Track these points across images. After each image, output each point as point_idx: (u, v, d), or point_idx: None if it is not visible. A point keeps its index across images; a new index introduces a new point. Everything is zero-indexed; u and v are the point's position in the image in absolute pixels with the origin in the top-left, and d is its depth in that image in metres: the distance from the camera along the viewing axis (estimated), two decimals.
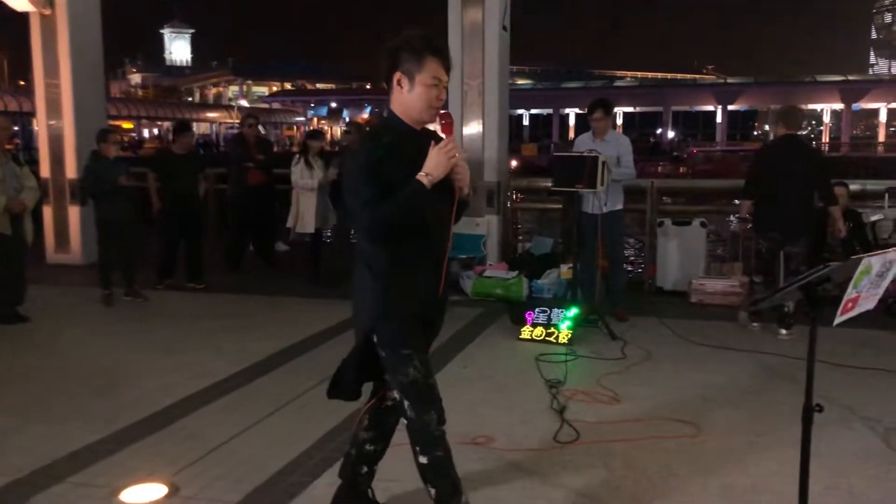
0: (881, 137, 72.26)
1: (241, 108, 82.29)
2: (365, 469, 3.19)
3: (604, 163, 6.10)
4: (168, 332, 6.43)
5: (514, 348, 5.89)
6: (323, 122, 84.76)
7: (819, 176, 6.25)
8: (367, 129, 2.93)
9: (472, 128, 8.28)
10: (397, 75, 2.71)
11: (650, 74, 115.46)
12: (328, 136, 56.97)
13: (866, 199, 8.00)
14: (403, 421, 2.91)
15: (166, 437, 4.12)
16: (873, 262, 2.44)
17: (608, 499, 3.40)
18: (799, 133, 6.61)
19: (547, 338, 5.95)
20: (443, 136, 2.75)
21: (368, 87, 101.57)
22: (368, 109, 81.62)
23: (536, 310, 6.15)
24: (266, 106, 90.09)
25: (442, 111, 2.78)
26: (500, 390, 4.89)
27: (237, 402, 4.69)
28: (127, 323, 6.84)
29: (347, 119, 79.52)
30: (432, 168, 2.64)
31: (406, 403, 2.84)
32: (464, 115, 8.29)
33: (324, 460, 3.76)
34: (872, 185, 8.16)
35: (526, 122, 71.60)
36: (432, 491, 2.87)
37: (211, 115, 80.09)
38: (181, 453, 3.85)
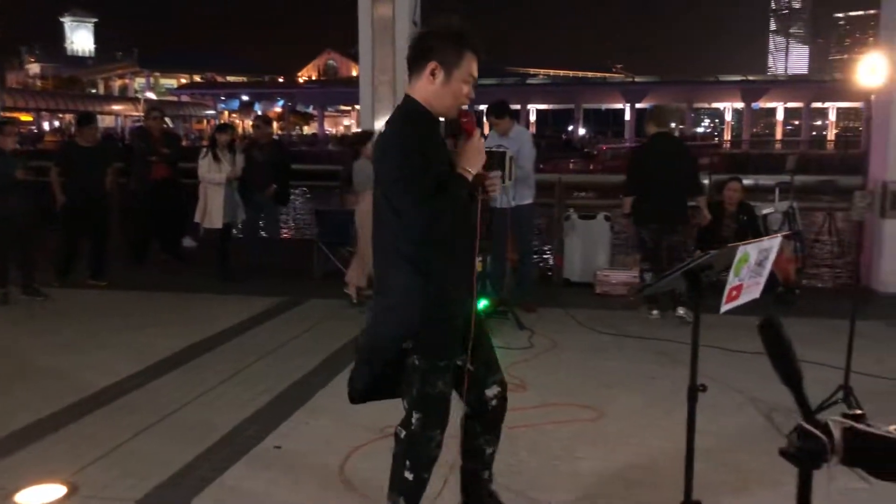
0: (778, 135, 75.86)
1: (147, 101, 79.75)
2: (488, 473, 2.98)
3: (511, 158, 6.24)
4: (70, 331, 6.23)
5: None
6: (234, 115, 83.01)
7: (689, 170, 6.74)
8: (401, 115, 2.63)
9: (384, 123, 8.30)
10: (432, 65, 2.56)
11: (562, 72, 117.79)
12: (239, 129, 55.90)
13: (759, 193, 8.42)
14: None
15: (66, 437, 4.01)
16: (750, 251, 2.60)
17: (513, 483, 3.51)
18: (670, 130, 7.07)
19: None
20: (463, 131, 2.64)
21: (281, 80, 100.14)
22: (281, 103, 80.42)
23: None
24: (174, 99, 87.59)
25: (463, 108, 2.65)
26: None
27: (141, 399, 4.60)
28: (26, 322, 6.59)
29: (260, 112, 78.17)
30: (471, 163, 2.54)
31: (416, 416, 2.67)
32: (375, 111, 8.31)
33: (233, 454, 3.74)
34: (764, 180, 8.60)
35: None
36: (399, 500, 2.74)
37: (116, 107, 77.39)
38: (82, 452, 3.76)
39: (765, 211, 7.74)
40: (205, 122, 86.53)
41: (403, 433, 2.72)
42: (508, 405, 4.26)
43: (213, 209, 8.04)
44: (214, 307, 7.04)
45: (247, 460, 3.68)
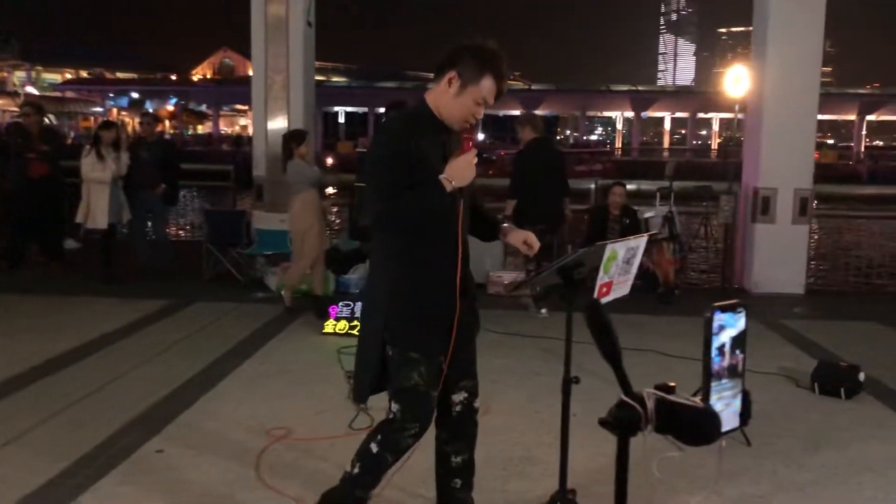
0: (666, 143, 79.14)
1: (28, 96, 75.58)
2: (459, 482, 2.95)
3: None
4: None
5: (317, 342, 5.95)
6: (124, 113, 79.77)
7: (563, 172, 7.27)
8: (406, 110, 2.65)
9: (277, 122, 8.24)
10: (451, 73, 2.61)
11: None
12: (129, 128, 53.72)
13: (642, 198, 8.80)
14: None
15: None
16: (618, 249, 2.75)
17: (399, 480, 3.54)
18: (546, 135, 7.51)
19: (350, 331, 6.04)
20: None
21: (174, 77, 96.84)
22: (174, 101, 77.90)
23: (340, 304, 6.25)
24: (59, 94, 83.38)
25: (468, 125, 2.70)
26: (298, 383, 4.93)
27: (14, 407, 4.39)
28: None
29: (150, 110, 75.50)
30: (457, 176, 2.55)
31: (394, 406, 2.68)
32: (268, 110, 8.23)
33: (111, 460, 3.63)
34: (646, 185, 9.00)
35: (342, 119, 71.46)
36: (354, 471, 2.76)
37: None
38: None
39: (646, 214, 8.09)
40: (92, 119, 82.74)
41: (386, 417, 2.75)
42: None
43: (96, 209, 7.75)
44: (97, 310, 6.79)
45: (125, 466, 3.58)
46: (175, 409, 4.36)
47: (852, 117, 62.49)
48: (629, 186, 8.33)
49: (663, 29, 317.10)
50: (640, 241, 2.88)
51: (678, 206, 8.35)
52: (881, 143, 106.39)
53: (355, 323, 6.11)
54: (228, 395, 4.65)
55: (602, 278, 2.80)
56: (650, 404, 1.62)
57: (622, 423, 1.58)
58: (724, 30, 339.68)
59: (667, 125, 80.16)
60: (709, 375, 1.69)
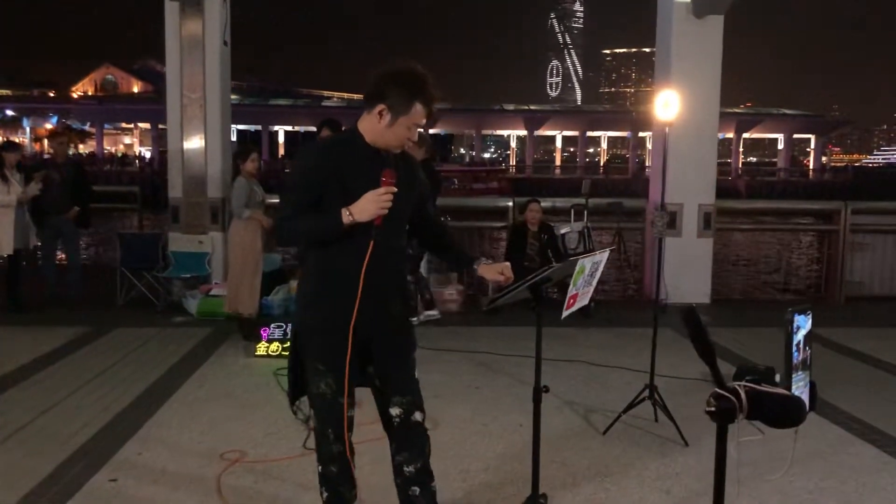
0: (558, 161, 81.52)
1: None
2: (417, 489, 2.97)
3: None
4: None
5: (250, 365, 5.88)
6: None
7: (438, 193, 7.41)
8: (330, 137, 2.77)
9: (194, 142, 8.08)
10: (381, 107, 2.63)
11: (356, 96, 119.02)
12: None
13: (557, 214, 9.11)
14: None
15: None
16: (586, 264, 2.92)
17: (360, 494, 3.60)
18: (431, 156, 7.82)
19: (283, 352, 6.01)
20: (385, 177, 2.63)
21: (52, 94, 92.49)
22: (55, 119, 74.30)
23: (272, 325, 6.19)
24: None
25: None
26: (241, 406, 4.88)
27: None
28: None
29: (28, 129, 71.80)
30: (359, 211, 2.57)
31: (311, 411, 2.88)
32: (184, 129, 8.06)
33: (61, 493, 3.51)
34: (561, 202, 9.33)
35: (233, 137, 70.01)
36: (323, 497, 2.91)
37: None
38: None
39: (563, 230, 8.39)
40: None
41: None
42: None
43: (2, 235, 7.38)
44: (7, 340, 6.47)
45: (80, 498, 3.48)
46: (119, 437, 4.25)
47: (730, 135, 66.21)
48: (543, 203, 8.62)
49: (557, 44, 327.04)
50: (603, 256, 3.06)
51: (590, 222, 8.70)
52: (754, 160, 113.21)
53: (287, 344, 6.07)
54: (171, 421, 4.56)
55: (570, 291, 2.97)
56: (742, 395, 1.79)
57: (722, 412, 1.78)
58: (608, 51, 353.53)
59: (558, 143, 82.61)
60: (790, 368, 1.95)
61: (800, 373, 1.99)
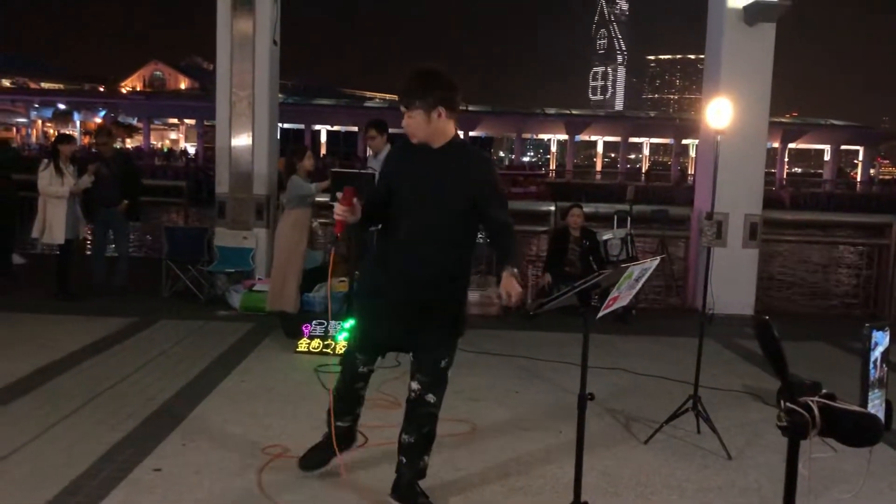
0: (598, 166, 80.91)
1: None
2: (404, 459, 3.40)
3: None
4: None
5: (292, 361, 5.94)
6: (49, 124, 77.16)
7: None
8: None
9: (242, 140, 8.19)
10: (441, 108, 3.20)
11: (397, 97, 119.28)
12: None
13: (599, 220, 9.05)
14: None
15: None
16: (634, 270, 2.90)
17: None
18: None
19: (324, 349, 6.06)
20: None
21: (102, 89, 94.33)
22: (102, 113, 75.78)
23: (313, 322, 6.25)
24: None
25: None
26: (283, 401, 4.93)
27: None
28: None
29: (79, 122, 73.30)
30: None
31: None
32: (232, 127, 8.17)
33: (110, 479, 3.58)
34: (604, 208, 9.26)
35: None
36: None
37: None
38: None
39: (605, 237, 8.33)
40: (14, 130, 79.80)
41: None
42: (386, 421, 4.39)
43: (54, 224, 7.56)
44: (60, 328, 6.61)
45: (126, 485, 3.54)
46: (163, 428, 4.32)
47: (776, 144, 65.11)
48: (586, 209, 8.57)
49: (600, 48, 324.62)
50: (653, 264, 3.04)
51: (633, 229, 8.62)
52: (800, 170, 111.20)
53: (329, 341, 6.13)
54: (214, 414, 4.62)
55: (612, 293, 2.95)
56: (815, 410, 1.76)
57: (795, 427, 1.75)
58: (652, 57, 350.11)
59: (599, 148, 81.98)
60: (867, 385, 1.89)
61: (876, 391, 1.94)
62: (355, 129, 62.14)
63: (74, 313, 7.18)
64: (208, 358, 5.88)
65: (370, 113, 69.11)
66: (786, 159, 71.60)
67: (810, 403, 1.77)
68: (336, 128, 70.48)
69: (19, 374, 5.19)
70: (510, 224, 3.30)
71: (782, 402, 1.88)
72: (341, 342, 6.08)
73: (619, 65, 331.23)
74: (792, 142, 68.77)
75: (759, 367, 6.25)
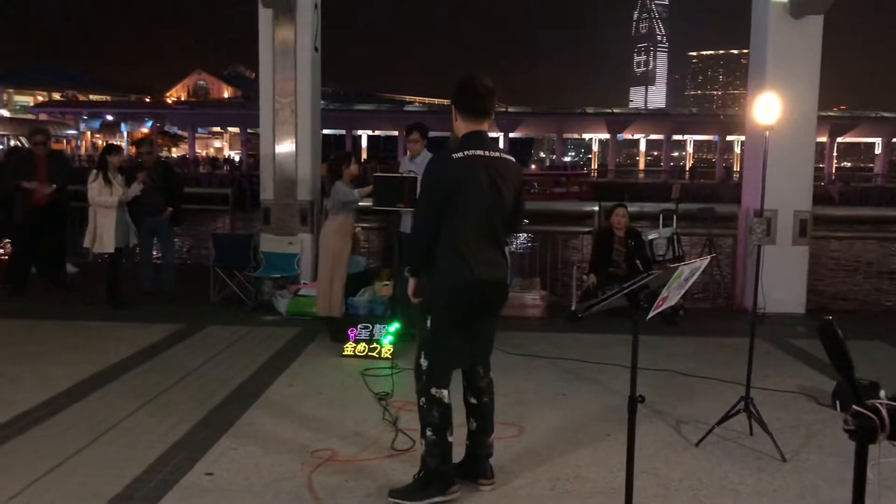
0: (641, 165, 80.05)
1: (1, 119, 74.70)
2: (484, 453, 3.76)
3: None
4: None
5: (338, 364, 5.97)
6: (97, 135, 79.06)
7: None
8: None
9: (285, 146, 8.28)
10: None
11: (437, 100, 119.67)
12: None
13: (644, 219, 8.94)
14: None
15: None
16: (684, 270, 2.86)
17: (447, 497, 3.61)
18: None
19: (370, 353, 6.09)
20: None
21: (148, 99, 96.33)
22: (149, 124, 77.39)
23: (359, 326, 6.28)
24: (32, 117, 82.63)
25: None
26: (330, 405, 4.96)
27: (52, 431, 4.37)
28: None
29: (126, 133, 74.88)
30: None
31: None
32: (276, 134, 8.27)
33: (163, 483, 3.64)
34: (649, 207, 9.14)
35: None
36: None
37: None
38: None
39: (650, 236, 8.22)
40: (65, 142, 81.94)
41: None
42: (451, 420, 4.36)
43: (103, 233, 7.72)
44: (111, 335, 6.74)
45: (179, 489, 3.60)
46: (213, 432, 4.37)
47: (824, 139, 63.70)
48: (631, 209, 8.47)
49: (641, 47, 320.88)
50: (703, 263, 2.99)
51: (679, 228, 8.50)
52: (849, 165, 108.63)
53: (375, 345, 6.16)
54: (264, 418, 4.67)
55: (662, 293, 2.91)
56: (884, 413, 1.70)
57: (863, 431, 1.69)
58: (694, 53, 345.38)
59: (641, 147, 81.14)
60: None
61: None
62: (395, 133, 62.48)
63: (125, 320, 7.33)
64: (256, 363, 5.95)
65: (410, 117, 69.45)
66: (835, 154, 70.01)
67: (878, 406, 1.71)
68: (377, 132, 70.91)
69: (73, 381, 5.31)
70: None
71: (845, 404, 1.82)
72: (386, 345, 6.10)
73: (660, 62, 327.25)
74: (841, 136, 67.23)
75: (811, 366, 6.11)
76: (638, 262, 7.92)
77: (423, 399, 3.53)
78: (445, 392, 3.53)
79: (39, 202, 8.37)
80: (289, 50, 8.20)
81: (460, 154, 3.44)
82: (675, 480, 3.84)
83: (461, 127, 3.55)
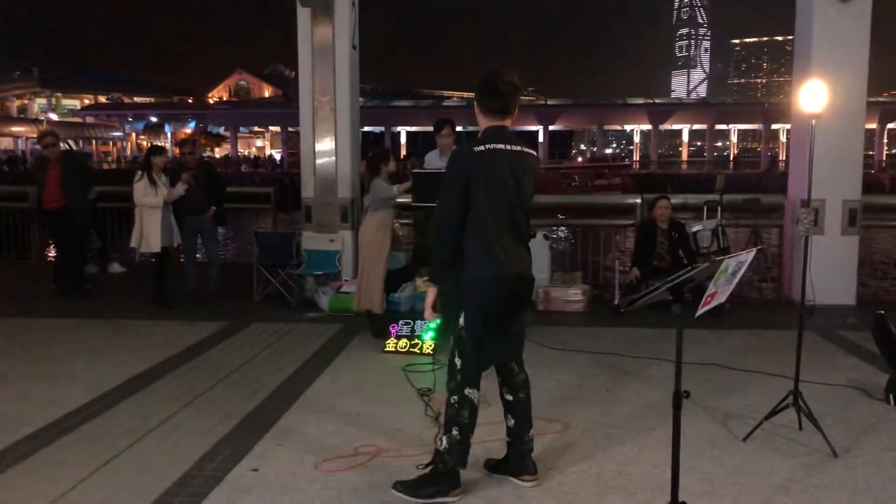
0: (684, 155, 78.92)
1: (49, 122, 76.60)
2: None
3: None
4: (6, 360, 5.97)
5: (380, 360, 6.00)
6: (142, 136, 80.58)
7: None
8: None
9: (325, 144, 8.33)
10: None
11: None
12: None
13: (687, 211, 8.81)
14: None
15: (31, 469, 3.86)
16: (730, 263, 2.80)
17: (493, 494, 3.60)
18: None
19: (411, 349, 6.11)
20: None
21: (190, 101, 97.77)
22: (192, 124, 78.63)
23: (400, 322, 6.30)
24: (79, 120, 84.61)
25: None
26: (374, 401, 4.98)
27: (102, 428, 4.46)
28: None
29: (170, 134, 76.16)
30: None
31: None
32: (316, 132, 8.32)
33: (210, 479, 3.69)
34: (693, 198, 9.01)
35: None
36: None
37: (16, 129, 73.79)
38: (51, 484, 3.64)
39: (694, 228, 8.09)
40: (111, 144, 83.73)
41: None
42: (478, 420, 4.36)
43: (149, 233, 7.85)
44: (157, 333, 6.87)
45: (225, 485, 3.64)
46: (258, 428, 4.42)
47: (873, 126, 62.05)
48: (674, 201, 8.34)
49: (681, 36, 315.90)
50: (749, 256, 2.92)
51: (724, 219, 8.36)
52: None
53: (416, 341, 6.17)
54: (308, 414, 4.71)
55: (710, 289, 2.86)
56: None
57: None
58: (737, 41, 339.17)
59: (684, 137, 80.00)
60: None
61: None
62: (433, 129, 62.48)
63: (171, 319, 7.45)
64: (300, 360, 6.00)
65: (449, 113, 69.45)
66: (885, 140, 68.18)
67: None
68: (415, 129, 70.99)
69: (121, 379, 5.42)
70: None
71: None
72: (427, 341, 6.11)
73: (701, 51, 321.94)
74: (892, 122, 65.43)
75: (863, 359, 5.94)
76: (682, 254, 7.81)
77: (454, 398, 3.51)
78: (477, 393, 3.52)
79: (48, 207, 8.50)
80: (327, 48, 8.24)
81: (482, 147, 3.43)
82: (722, 476, 3.77)
83: (483, 123, 3.57)
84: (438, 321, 6.24)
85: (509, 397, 3.72)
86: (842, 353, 6.21)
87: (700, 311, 2.90)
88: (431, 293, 3.67)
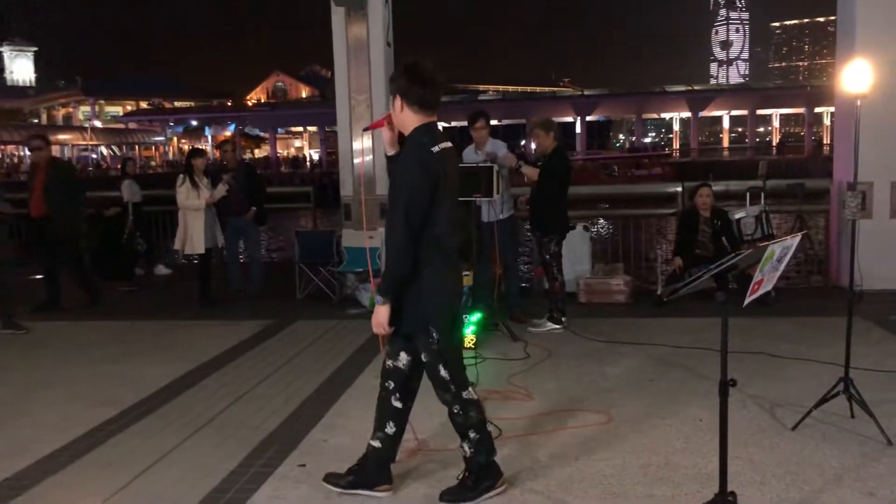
0: (725, 142, 77.70)
1: (94, 129, 78.33)
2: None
3: (498, 171, 6.37)
4: (54, 362, 6.13)
5: None
6: (183, 140, 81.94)
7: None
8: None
9: (362, 143, 8.37)
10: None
11: (511, 88, 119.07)
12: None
13: (729, 198, 8.67)
14: None
15: (84, 468, 3.96)
16: (775, 249, 2.75)
17: (537, 485, 3.59)
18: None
19: None
20: None
21: (230, 103, 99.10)
22: (232, 127, 79.69)
23: None
24: (122, 126, 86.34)
25: None
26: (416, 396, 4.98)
27: (151, 427, 4.56)
28: (6, 357, 6.44)
29: (210, 136, 77.26)
30: None
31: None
32: (353, 130, 8.36)
33: (258, 475, 3.75)
34: (735, 185, 8.86)
35: None
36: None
37: (62, 136, 75.50)
38: (104, 482, 3.73)
39: (737, 215, 7.97)
40: (153, 148, 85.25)
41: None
42: (519, 413, 4.39)
43: (193, 235, 7.98)
44: (203, 333, 6.99)
45: (274, 480, 3.70)
46: (304, 425, 4.48)
47: None
48: (716, 188, 8.22)
49: (720, 19, 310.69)
50: (794, 241, 2.87)
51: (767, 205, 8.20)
52: None
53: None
54: (352, 410, 4.75)
55: (757, 277, 2.82)
56: None
57: None
58: (777, 24, 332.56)
59: (725, 124, 78.76)
60: None
61: None
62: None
63: (216, 318, 7.57)
64: (343, 356, 6.06)
65: (485, 107, 69.26)
66: None
67: None
68: (452, 123, 70.99)
69: (168, 379, 5.52)
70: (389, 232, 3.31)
71: None
72: (469, 335, 6.11)
73: (741, 36, 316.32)
74: None
75: None
76: (725, 242, 7.70)
77: (456, 407, 3.44)
78: (472, 389, 3.51)
79: (33, 214, 8.07)
80: (362, 47, 8.28)
81: (437, 147, 3.19)
82: (772, 465, 3.71)
83: (411, 119, 3.24)
84: (480, 315, 6.28)
85: (408, 405, 3.67)
86: (893, 338, 6.08)
87: (749, 300, 2.85)
88: (385, 310, 3.23)
